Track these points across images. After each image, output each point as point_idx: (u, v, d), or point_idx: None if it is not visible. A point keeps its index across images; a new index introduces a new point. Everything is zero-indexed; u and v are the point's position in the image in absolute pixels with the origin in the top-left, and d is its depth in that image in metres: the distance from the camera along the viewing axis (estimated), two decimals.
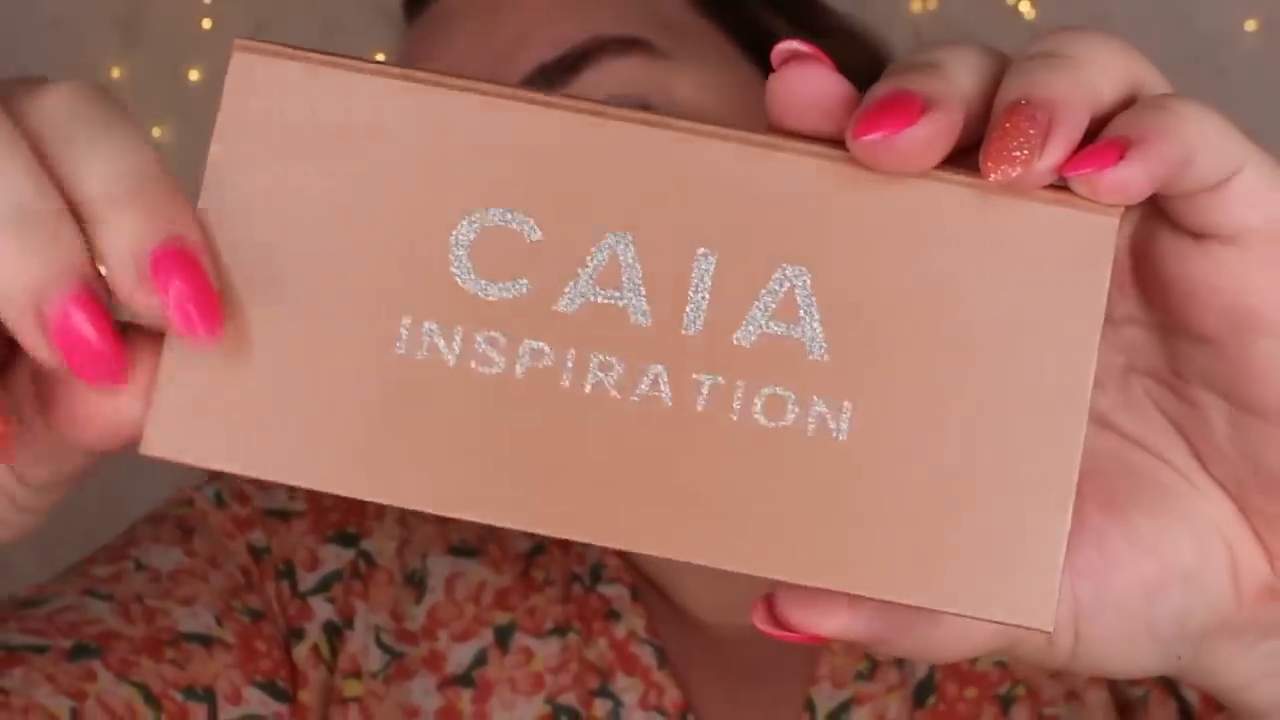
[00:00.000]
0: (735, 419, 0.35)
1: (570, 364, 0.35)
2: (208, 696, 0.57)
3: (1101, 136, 0.34)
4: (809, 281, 0.35)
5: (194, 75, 1.24)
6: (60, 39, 1.48)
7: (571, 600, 0.64)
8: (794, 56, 0.35)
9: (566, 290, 0.35)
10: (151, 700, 0.56)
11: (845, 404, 0.35)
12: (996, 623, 0.34)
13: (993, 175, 0.34)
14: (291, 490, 0.66)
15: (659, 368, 0.35)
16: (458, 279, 0.35)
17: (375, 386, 0.34)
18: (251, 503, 0.64)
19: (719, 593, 0.63)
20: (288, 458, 0.34)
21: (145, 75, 1.56)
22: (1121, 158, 0.33)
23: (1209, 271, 0.35)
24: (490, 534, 0.66)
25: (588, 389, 0.35)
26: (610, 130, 0.36)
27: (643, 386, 0.35)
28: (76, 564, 0.62)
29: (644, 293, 0.35)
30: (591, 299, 0.35)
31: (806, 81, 0.35)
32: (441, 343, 0.35)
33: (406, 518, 0.66)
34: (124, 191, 0.32)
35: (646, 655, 0.62)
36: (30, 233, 0.31)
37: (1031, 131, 0.33)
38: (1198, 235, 0.35)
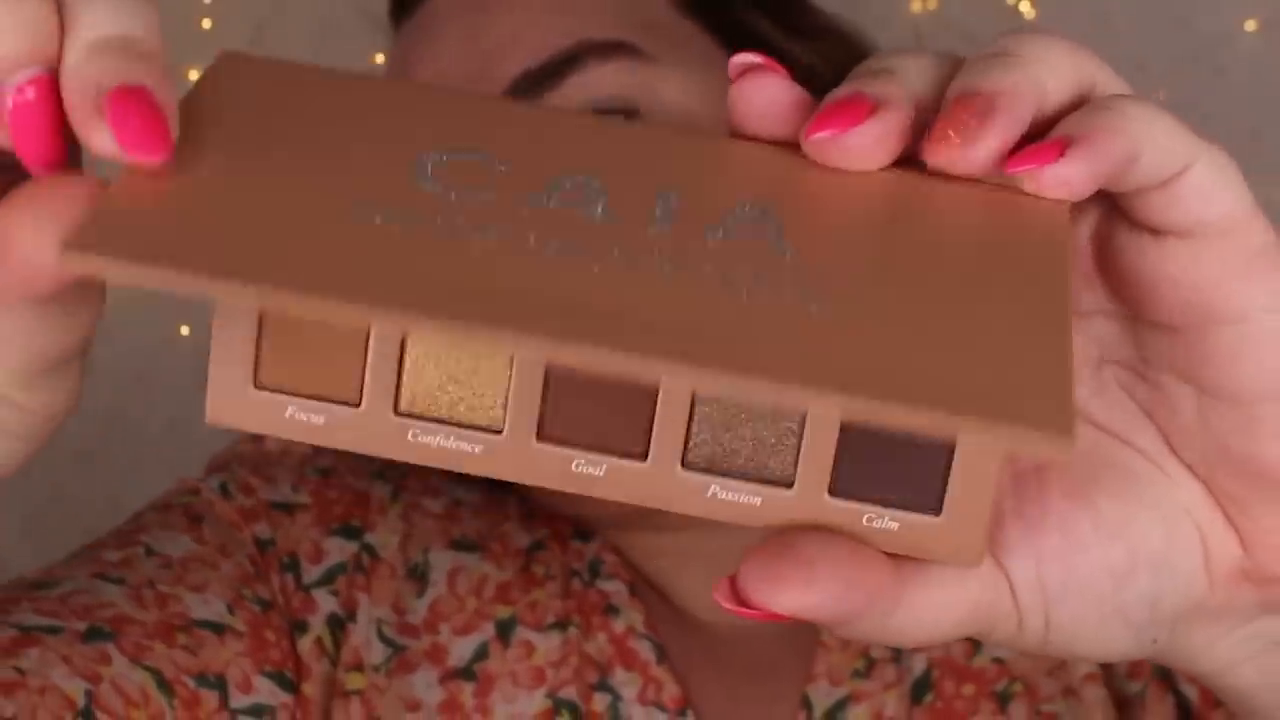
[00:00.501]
0: (708, 273, 0.35)
1: (531, 241, 0.35)
2: (219, 684, 0.58)
3: (1047, 136, 0.35)
4: (775, 213, 0.36)
5: (194, 75, 1.24)
6: None
7: (571, 595, 0.64)
8: (749, 69, 0.37)
9: (530, 198, 0.36)
10: (164, 686, 0.56)
11: (818, 292, 0.35)
12: (1013, 449, 0.34)
13: (931, 160, 0.35)
14: (295, 483, 0.66)
15: (623, 248, 0.35)
16: (420, 185, 0.36)
17: (324, 229, 0.34)
18: (256, 494, 0.64)
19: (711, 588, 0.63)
20: (223, 263, 0.33)
21: None
22: (1062, 155, 0.35)
23: (1167, 266, 0.36)
24: (491, 530, 0.66)
25: (548, 256, 0.35)
26: (579, 119, 0.38)
27: (608, 258, 0.35)
28: (81, 549, 0.62)
29: (608, 208, 0.36)
30: (555, 205, 0.36)
31: (761, 90, 0.37)
32: (399, 223, 0.35)
33: (409, 513, 0.66)
34: (115, 35, 0.33)
35: (645, 650, 0.62)
36: (18, 10, 0.33)
37: (970, 120, 0.35)
38: (1155, 231, 0.36)
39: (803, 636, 0.64)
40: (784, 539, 0.37)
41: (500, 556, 0.65)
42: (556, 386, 0.38)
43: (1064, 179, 0.35)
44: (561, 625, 0.63)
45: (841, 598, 0.36)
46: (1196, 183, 0.35)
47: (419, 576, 0.64)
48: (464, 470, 0.38)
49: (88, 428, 1.28)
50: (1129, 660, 0.41)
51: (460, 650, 0.63)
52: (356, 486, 0.67)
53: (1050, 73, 0.36)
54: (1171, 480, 0.39)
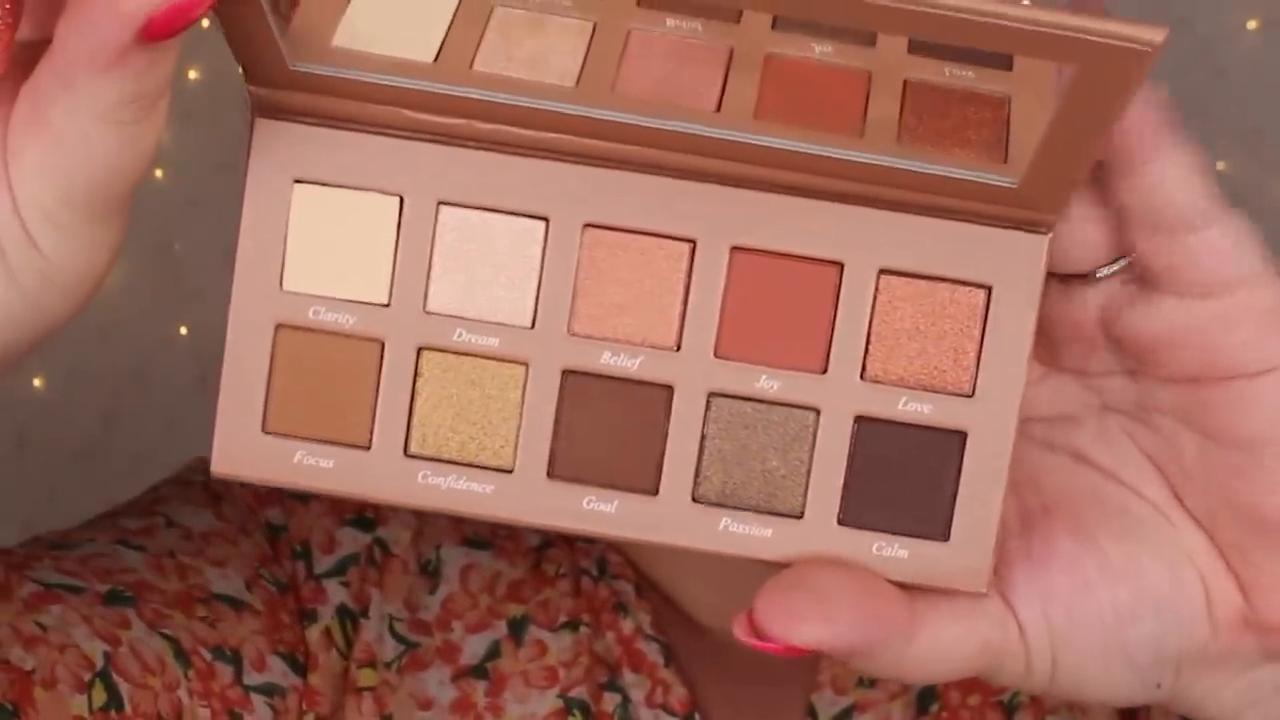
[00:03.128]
0: None
1: None
2: (235, 659, 0.58)
3: None
4: None
5: (193, 75, 1.24)
6: None
7: (581, 593, 0.64)
8: None
9: None
10: (181, 655, 0.56)
11: None
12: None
13: None
14: None
15: None
16: None
17: None
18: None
19: (719, 594, 0.63)
20: None
21: None
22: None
23: (1180, 326, 0.37)
24: (502, 527, 0.66)
25: None
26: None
27: None
28: (98, 517, 0.62)
29: None
30: None
31: None
32: None
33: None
34: None
35: (653, 652, 0.62)
36: None
37: None
38: (1170, 293, 0.37)
39: None
40: (800, 573, 0.37)
41: (512, 554, 0.65)
42: (566, 424, 0.38)
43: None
44: (573, 625, 0.63)
45: (859, 631, 0.36)
46: (1214, 244, 0.36)
47: (431, 573, 0.64)
48: (475, 514, 0.38)
49: (87, 428, 1.28)
50: (1135, 705, 0.41)
51: (473, 648, 0.63)
52: None
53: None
54: (1174, 526, 0.39)
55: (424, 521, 0.65)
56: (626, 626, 0.63)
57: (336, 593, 0.62)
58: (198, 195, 1.21)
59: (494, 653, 0.62)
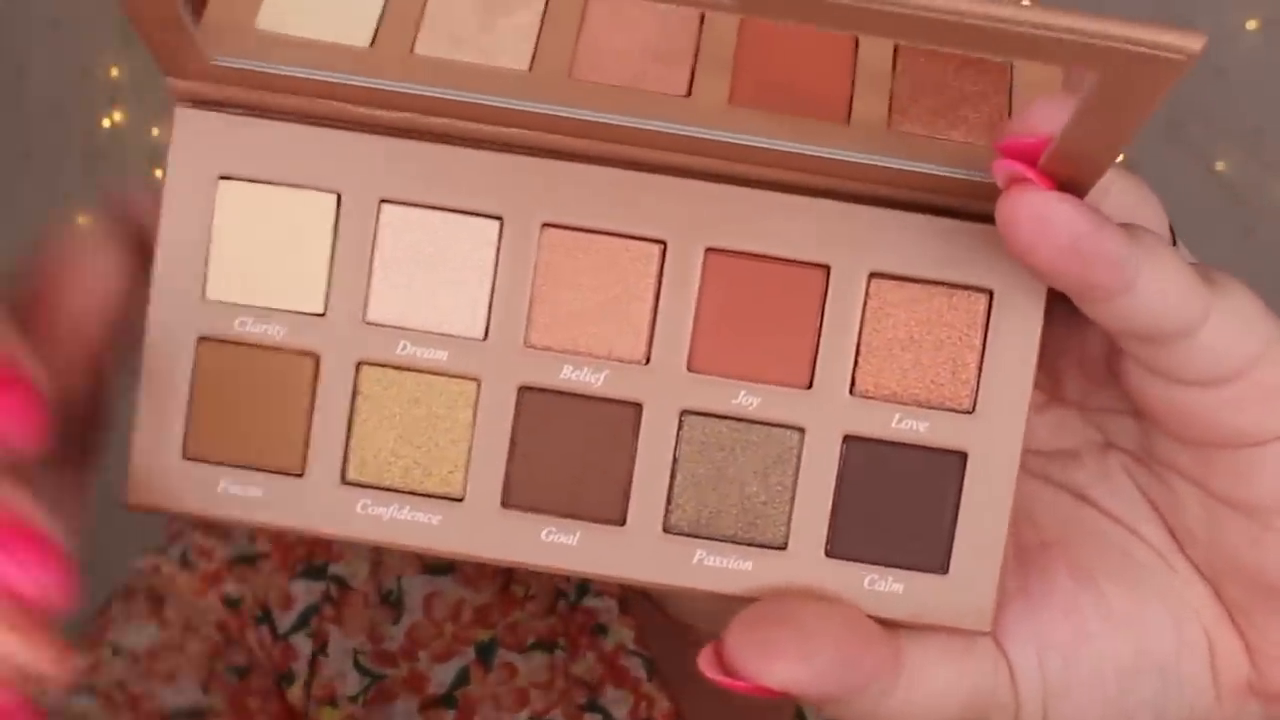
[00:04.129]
0: None
1: None
2: None
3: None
4: None
5: None
6: (60, 39, 1.48)
7: (557, 616, 0.63)
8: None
9: None
10: None
11: None
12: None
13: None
14: (252, 534, 0.65)
15: None
16: None
17: None
18: (215, 555, 0.64)
19: (716, 597, 0.63)
20: None
21: (145, 75, 1.55)
22: (1052, 190, 0.31)
23: (1180, 404, 0.34)
24: None
25: None
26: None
27: None
28: None
29: None
30: None
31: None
32: None
33: None
34: None
35: (636, 667, 0.62)
36: None
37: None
38: (1161, 379, 0.34)
39: None
40: (778, 605, 0.34)
41: (475, 579, 0.64)
42: (523, 446, 0.35)
43: (1033, 213, 0.31)
44: (546, 646, 0.63)
45: (840, 674, 0.33)
46: (1209, 342, 0.32)
47: (394, 603, 0.64)
48: (421, 548, 0.35)
49: None
50: None
51: (440, 677, 0.62)
52: None
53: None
54: (1178, 576, 0.36)
55: (383, 552, 0.65)
56: (608, 644, 0.62)
57: (304, 645, 0.62)
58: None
59: (462, 679, 0.62)
